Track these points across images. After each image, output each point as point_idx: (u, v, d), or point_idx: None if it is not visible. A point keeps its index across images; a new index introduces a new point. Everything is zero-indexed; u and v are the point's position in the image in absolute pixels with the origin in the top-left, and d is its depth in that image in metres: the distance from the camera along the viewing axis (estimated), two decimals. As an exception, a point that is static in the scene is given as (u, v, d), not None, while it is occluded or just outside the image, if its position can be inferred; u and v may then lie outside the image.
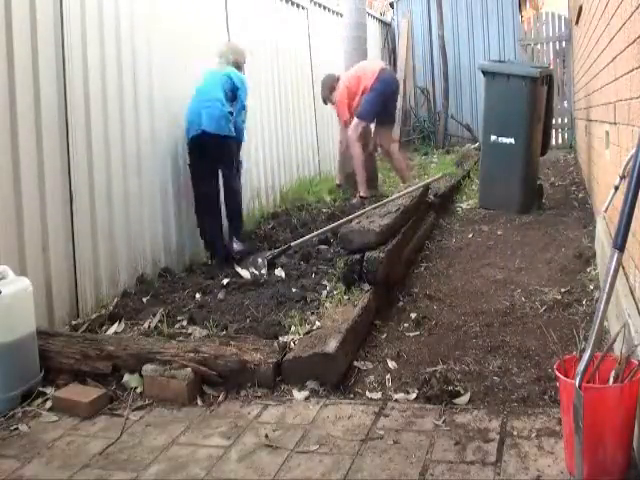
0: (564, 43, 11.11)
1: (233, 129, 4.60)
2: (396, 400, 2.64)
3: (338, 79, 6.58)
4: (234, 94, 4.70)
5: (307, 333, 3.06)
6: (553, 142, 10.15)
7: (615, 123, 3.47)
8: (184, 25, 4.82)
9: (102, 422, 2.61)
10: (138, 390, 2.80)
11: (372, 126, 6.76)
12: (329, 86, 6.61)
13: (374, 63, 7.00)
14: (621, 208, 1.91)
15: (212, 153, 4.51)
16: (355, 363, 2.99)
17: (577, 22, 7.63)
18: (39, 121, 3.36)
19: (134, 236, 4.11)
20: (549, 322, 3.35)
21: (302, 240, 4.62)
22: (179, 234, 4.62)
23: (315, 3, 8.15)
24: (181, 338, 3.12)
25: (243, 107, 4.80)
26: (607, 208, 2.93)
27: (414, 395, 2.65)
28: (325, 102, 6.81)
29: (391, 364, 2.97)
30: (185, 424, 2.55)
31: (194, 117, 4.51)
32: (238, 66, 4.91)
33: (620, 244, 1.89)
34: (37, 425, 2.60)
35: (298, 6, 7.48)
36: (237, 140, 4.72)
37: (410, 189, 5.22)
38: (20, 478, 2.23)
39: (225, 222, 4.81)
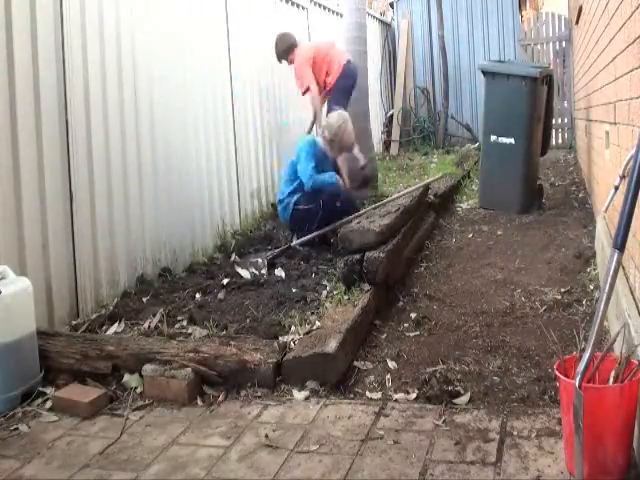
0: (564, 43, 11.10)
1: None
2: (396, 400, 2.64)
3: (295, 45, 6.30)
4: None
5: (307, 333, 3.06)
6: (553, 142, 10.14)
7: (615, 123, 3.47)
8: (183, 24, 4.82)
9: (102, 422, 2.61)
10: (138, 390, 2.80)
11: None
12: (286, 47, 6.29)
13: (340, 52, 6.67)
14: (621, 208, 1.91)
15: None
16: (355, 363, 2.99)
17: (577, 22, 7.63)
18: (39, 121, 3.36)
19: (134, 236, 4.11)
20: (549, 322, 3.35)
21: (302, 240, 4.62)
22: (179, 234, 4.62)
23: (315, 3, 8.15)
24: (181, 338, 3.12)
25: (307, 170, 4.74)
26: (607, 208, 2.93)
27: (414, 395, 2.65)
28: (280, 60, 6.46)
29: (391, 364, 2.97)
30: (185, 424, 2.55)
31: None
32: (325, 140, 4.93)
33: (620, 244, 1.89)
34: (37, 425, 2.60)
35: (298, 6, 7.47)
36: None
37: (410, 189, 5.22)
38: (20, 478, 2.23)
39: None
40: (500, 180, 5.96)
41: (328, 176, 4.74)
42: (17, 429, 2.56)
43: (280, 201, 4.98)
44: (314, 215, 4.71)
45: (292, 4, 7.31)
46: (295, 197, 4.79)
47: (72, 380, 2.87)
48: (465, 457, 2.19)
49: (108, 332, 3.34)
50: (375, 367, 2.97)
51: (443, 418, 2.45)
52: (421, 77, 11.76)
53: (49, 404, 2.74)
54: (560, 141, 11.14)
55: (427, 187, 5.59)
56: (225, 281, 4.03)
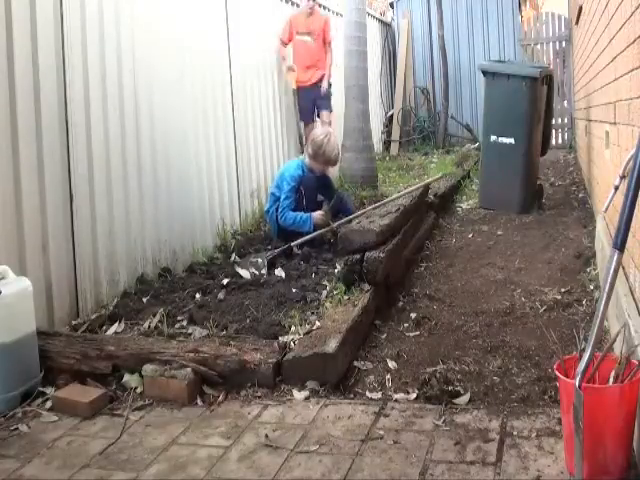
0: (564, 43, 11.12)
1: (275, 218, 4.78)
2: (396, 400, 2.64)
3: None
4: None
5: (307, 333, 3.05)
6: (553, 142, 10.16)
7: (615, 123, 3.47)
8: (183, 23, 4.82)
9: (102, 422, 2.60)
10: (138, 390, 2.80)
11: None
12: None
13: None
14: (621, 208, 1.91)
15: None
16: (355, 363, 2.99)
17: (577, 22, 7.63)
18: (39, 120, 3.36)
19: (134, 236, 4.11)
20: (549, 322, 3.35)
21: (302, 240, 4.62)
22: (179, 234, 4.62)
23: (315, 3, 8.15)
24: (181, 338, 3.12)
25: (284, 199, 4.70)
26: (607, 208, 2.93)
27: (414, 395, 2.65)
28: None
29: (391, 364, 2.97)
30: (185, 424, 2.55)
31: None
32: (308, 154, 4.86)
33: (620, 244, 1.89)
34: (37, 425, 2.60)
35: (298, 6, 7.47)
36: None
37: (410, 189, 5.23)
38: (20, 478, 2.23)
39: None
40: (500, 180, 5.96)
41: (302, 221, 4.66)
42: (17, 429, 2.56)
43: (267, 212, 5.00)
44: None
45: (292, 4, 7.32)
46: (277, 204, 4.81)
47: (72, 380, 2.86)
48: (465, 457, 2.19)
49: (108, 332, 3.34)
50: (375, 367, 2.97)
51: (443, 418, 2.45)
52: (421, 77, 11.78)
53: (49, 404, 2.74)
54: (560, 141, 11.15)
55: (427, 187, 5.59)
56: (225, 281, 4.02)
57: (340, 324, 3.08)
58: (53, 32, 3.49)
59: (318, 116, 7.30)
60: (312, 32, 7.20)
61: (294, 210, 4.71)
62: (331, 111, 7.36)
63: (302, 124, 7.16)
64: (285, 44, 6.97)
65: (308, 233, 4.64)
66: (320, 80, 7.25)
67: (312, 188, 4.81)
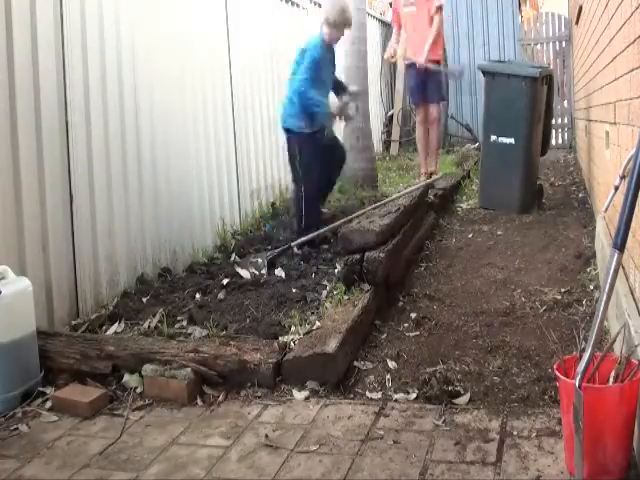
0: (564, 43, 11.12)
1: (302, 124, 4.77)
2: (396, 400, 2.64)
3: None
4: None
5: (307, 333, 3.05)
6: (553, 142, 10.15)
7: (615, 123, 3.47)
8: (183, 23, 4.82)
9: (102, 422, 2.61)
10: (138, 390, 2.80)
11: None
12: None
13: None
14: (621, 208, 1.91)
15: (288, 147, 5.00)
16: (355, 363, 2.99)
17: (577, 22, 7.64)
18: (39, 121, 3.36)
19: (134, 236, 4.11)
20: (549, 322, 3.35)
21: (302, 240, 4.62)
22: (179, 234, 4.62)
23: (315, 3, 8.14)
24: (181, 338, 3.12)
25: (306, 80, 4.65)
26: (607, 208, 2.93)
27: (414, 395, 2.65)
28: None
29: (391, 364, 2.97)
30: (185, 424, 2.55)
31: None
32: (328, 24, 4.89)
33: (620, 244, 1.89)
34: (37, 425, 2.60)
35: (298, 6, 7.47)
36: (304, 133, 4.77)
37: (410, 189, 5.23)
38: (20, 478, 2.23)
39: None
40: (500, 180, 5.96)
41: (319, 101, 4.72)
42: (17, 429, 2.56)
43: (289, 99, 4.88)
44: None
45: (292, 4, 7.31)
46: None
47: (72, 380, 2.86)
48: (465, 457, 2.19)
49: (108, 332, 3.34)
50: (375, 367, 2.97)
51: (443, 418, 2.45)
52: (421, 77, 11.75)
53: (49, 404, 2.74)
54: (560, 141, 11.15)
55: (427, 187, 5.59)
56: (225, 281, 4.03)
57: (340, 324, 3.08)
58: (53, 32, 3.49)
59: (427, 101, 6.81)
60: (415, 1, 6.68)
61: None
62: (439, 102, 6.86)
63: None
64: (399, 29, 6.64)
65: (322, 116, 4.76)
66: (429, 61, 6.63)
67: (327, 68, 4.96)
